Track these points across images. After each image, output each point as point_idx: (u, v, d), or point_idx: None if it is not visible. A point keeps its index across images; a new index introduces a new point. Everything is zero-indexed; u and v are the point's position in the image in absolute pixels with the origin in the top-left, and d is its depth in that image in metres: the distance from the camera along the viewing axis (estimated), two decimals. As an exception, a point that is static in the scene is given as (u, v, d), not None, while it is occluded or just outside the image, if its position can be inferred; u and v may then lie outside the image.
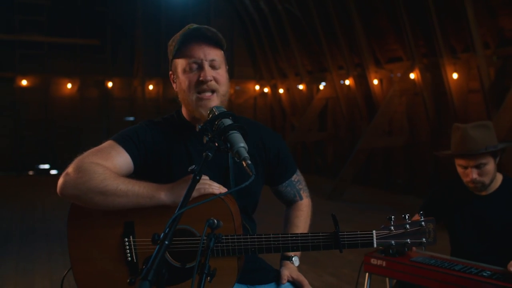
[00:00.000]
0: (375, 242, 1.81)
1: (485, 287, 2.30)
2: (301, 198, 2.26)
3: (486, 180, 2.77)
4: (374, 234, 1.81)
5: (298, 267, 2.15)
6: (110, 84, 14.57)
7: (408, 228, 1.82)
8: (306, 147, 14.02)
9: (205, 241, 1.45)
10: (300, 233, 1.84)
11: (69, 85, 14.29)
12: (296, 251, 1.87)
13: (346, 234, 1.80)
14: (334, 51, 11.94)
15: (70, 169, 1.82)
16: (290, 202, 2.27)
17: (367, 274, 2.79)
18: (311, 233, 1.82)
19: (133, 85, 14.98)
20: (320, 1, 11.33)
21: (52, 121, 14.17)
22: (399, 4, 9.14)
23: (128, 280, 1.68)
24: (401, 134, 10.71)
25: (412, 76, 9.77)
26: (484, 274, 2.38)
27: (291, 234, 1.83)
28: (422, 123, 10.18)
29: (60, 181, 1.82)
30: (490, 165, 2.76)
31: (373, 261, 2.68)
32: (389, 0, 9.57)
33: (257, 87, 16.03)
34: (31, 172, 13.97)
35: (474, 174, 2.75)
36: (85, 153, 1.87)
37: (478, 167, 2.74)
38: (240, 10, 15.07)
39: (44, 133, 14.12)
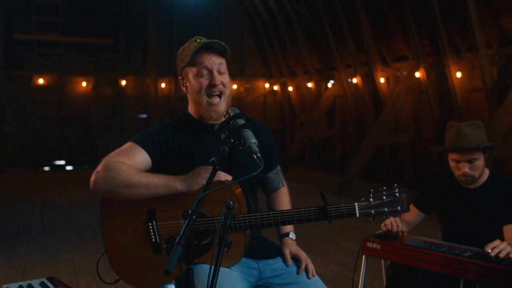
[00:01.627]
0: (357, 212, 2.12)
1: (466, 266, 2.60)
2: (283, 185, 2.62)
3: (476, 174, 3.03)
4: (356, 205, 2.12)
5: (297, 242, 2.48)
6: (123, 83, 14.95)
7: (384, 199, 2.13)
8: (314, 143, 14.31)
9: (223, 219, 1.78)
10: (294, 209, 2.15)
11: (84, 84, 14.68)
12: (292, 224, 2.18)
13: (333, 207, 2.11)
14: (342, 50, 12.21)
15: (99, 168, 2.15)
16: (274, 189, 2.60)
17: (364, 256, 3.10)
18: (303, 208, 2.13)
19: (146, 83, 15.33)
20: (328, 1, 11.61)
21: (68, 118, 14.58)
22: (405, 4, 9.41)
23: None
24: (406, 131, 10.98)
25: (417, 74, 10.04)
26: (465, 254, 2.68)
27: (286, 210, 2.15)
28: (427, 120, 10.44)
29: (92, 178, 2.15)
30: (480, 160, 3.02)
31: (369, 244, 3.00)
32: (395, 0, 9.85)
33: (267, 85, 16.32)
34: (46, 168, 14.39)
35: (466, 168, 3.01)
36: (110, 154, 2.20)
37: (470, 161, 2.99)
38: (250, 9, 15.36)
39: (59, 130, 14.53)
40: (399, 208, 2.14)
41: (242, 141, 1.93)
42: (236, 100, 15.17)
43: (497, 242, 2.64)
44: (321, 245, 6.32)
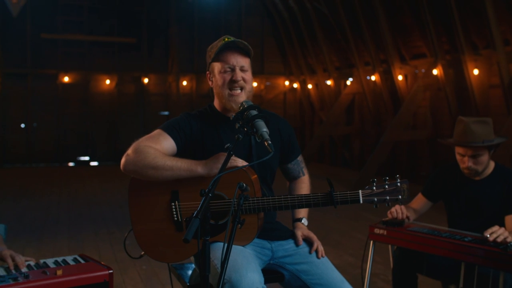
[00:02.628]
0: (361, 199, 2.29)
1: (466, 250, 2.77)
2: (303, 174, 2.81)
3: (479, 168, 3.18)
4: (360, 193, 2.30)
5: (310, 228, 2.66)
6: (146, 80, 15.27)
7: (387, 188, 2.29)
8: (333, 140, 14.44)
9: (236, 200, 1.98)
10: (303, 194, 2.35)
11: (107, 81, 15.04)
12: (301, 208, 2.37)
13: (339, 193, 2.30)
14: (360, 47, 12.32)
15: (129, 151, 2.38)
16: (295, 178, 2.80)
17: (371, 241, 3.29)
18: (312, 194, 2.33)
19: (168, 81, 15.60)
20: (347, 0, 11.74)
21: (92, 115, 14.94)
22: (423, 2, 9.49)
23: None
24: (424, 128, 11.05)
25: (435, 72, 10.10)
26: (466, 239, 2.85)
27: (296, 195, 2.35)
28: (444, 117, 10.49)
29: (122, 160, 2.38)
30: (485, 156, 3.17)
31: (376, 230, 3.18)
32: (413, -2, 9.95)
33: (287, 83, 16.49)
34: (71, 164, 14.78)
35: (469, 162, 3.16)
36: (140, 139, 2.43)
37: (474, 157, 3.15)
38: (270, 8, 15.54)
39: (84, 126, 14.91)
40: (400, 197, 2.30)
41: (254, 130, 2.12)
42: (256, 97, 15.37)
43: (495, 227, 2.80)
44: (337, 238, 6.49)
